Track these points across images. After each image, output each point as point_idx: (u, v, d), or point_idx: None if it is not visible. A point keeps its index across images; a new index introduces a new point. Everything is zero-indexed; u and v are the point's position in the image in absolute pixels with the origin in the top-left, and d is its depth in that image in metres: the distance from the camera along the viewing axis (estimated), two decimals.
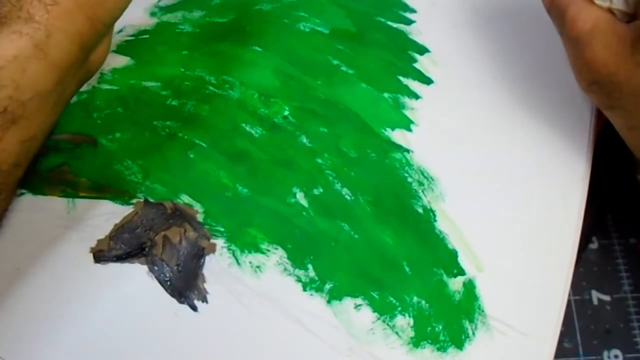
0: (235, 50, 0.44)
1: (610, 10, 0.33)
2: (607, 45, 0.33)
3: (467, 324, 0.34)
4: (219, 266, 0.36)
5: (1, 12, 0.32)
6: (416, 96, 0.42)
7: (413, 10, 0.45)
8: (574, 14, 0.34)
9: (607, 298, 0.43)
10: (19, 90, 0.31)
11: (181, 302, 0.35)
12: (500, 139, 0.40)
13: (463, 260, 0.36)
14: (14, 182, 0.33)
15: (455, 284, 0.36)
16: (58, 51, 0.32)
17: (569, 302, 0.42)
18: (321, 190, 0.38)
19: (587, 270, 0.44)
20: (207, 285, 0.36)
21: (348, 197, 0.38)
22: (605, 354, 0.41)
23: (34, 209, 0.38)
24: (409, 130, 0.40)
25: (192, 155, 0.40)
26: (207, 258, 0.36)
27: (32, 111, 0.32)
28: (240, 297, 0.35)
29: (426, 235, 0.37)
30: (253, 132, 0.40)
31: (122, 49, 0.44)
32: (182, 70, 0.43)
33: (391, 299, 0.35)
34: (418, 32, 0.44)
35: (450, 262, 0.36)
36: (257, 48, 0.44)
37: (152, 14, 0.46)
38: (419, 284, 0.35)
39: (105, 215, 0.38)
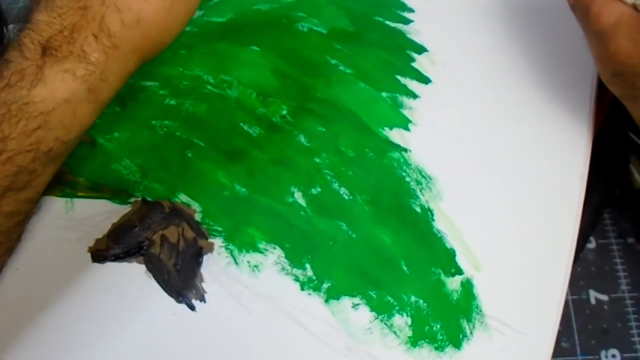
0: (234, 50, 0.44)
1: (634, 7, 0.34)
2: (631, 38, 0.33)
3: (465, 323, 0.34)
4: (217, 265, 0.36)
5: (52, 43, 0.30)
6: (414, 95, 0.42)
7: (411, 10, 0.45)
8: (598, 8, 0.34)
9: (604, 298, 0.43)
10: (66, 131, 0.30)
11: (179, 302, 0.35)
12: (498, 138, 0.40)
13: (461, 260, 0.36)
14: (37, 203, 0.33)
15: (453, 283, 0.36)
16: (108, 93, 0.32)
17: (566, 301, 0.42)
18: (319, 189, 0.38)
19: (584, 270, 0.44)
20: (205, 285, 0.36)
21: (346, 197, 0.38)
22: (603, 353, 0.41)
23: None
24: (407, 129, 0.40)
25: (190, 155, 0.40)
26: (205, 257, 0.36)
27: (71, 147, 0.32)
28: (238, 297, 0.35)
29: (424, 235, 0.37)
30: (251, 131, 0.40)
31: None
32: (181, 69, 0.43)
33: (389, 298, 0.35)
34: (416, 31, 0.44)
35: (448, 262, 0.36)
36: (256, 48, 0.44)
37: None
38: (417, 283, 0.35)
39: (104, 215, 0.38)
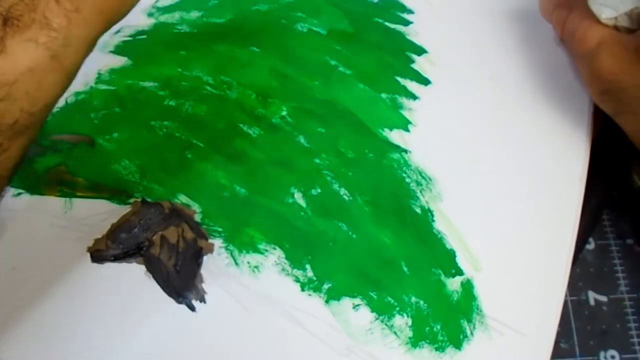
0: (233, 51, 0.44)
1: (615, 28, 0.36)
2: (613, 55, 0.35)
3: (465, 324, 0.35)
4: (217, 266, 0.36)
5: (13, 12, 0.29)
6: (414, 97, 0.42)
7: (410, 11, 0.45)
8: (581, 33, 0.37)
9: (603, 299, 0.43)
10: (32, 102, 0.29)
11: (179, 302, 0.35)
12: (497, 139, 0.40)
13: (461, 260, 0.36)
14: (7, 183, 0.33)
15: (454, 284, 0.36)
16: (73, 59, 0.31)
17: (565, 302, 0.42)
18: (319, 190, 0.38)
19: (583, 271, 0.44)
20: (205, 286, 0.36)
21: (346, 197, 0.38)
22: (602, 354, 0.41)
23: (31, 209, 0.38)
24: (407, 130, 0.40)
25: (189, 155, 0.40)
26: (205, 258, 0.36)
27: (39, 119, 0.31)
28: (238, 297, 0.35)
29: (424, 235, 0.37)
30: (251, 132, 0.40)
31: (119, 50, 0.44)
32: (180, 70, 0.43)
33: (389, 299, 0.35)
34: (415, 32, 0.44)
35: (448, 262, 0.36)
36: (255, 48, 0.44)
37: (150, 15, 0.46)
38: (417, 283, 0.35)
39: (103, 215, 0.38)
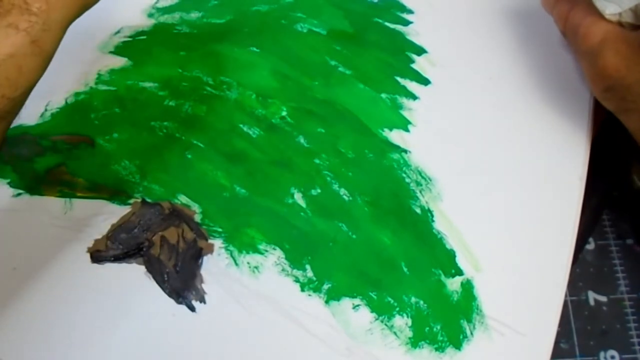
0: (233, 51, 0.44)
1: (620, 24, 0.35)
2: (617, 52, 0.35)
3: (465, 324, 0.35)
4: (217, 266, 0.36)
5: None
6: (414, 97, 0.42)
7: (410, 11, 0.45)
8: (585, 29, 0.36)
9: (603, 299, 0.43)
10: (13, 88, 0.29)
11: (179, 303, 0.35)
12: (497, 139, 0.40)
13: (461, 261, 0.36)
14: None
15: (453, 284, 0.36)
16: (53, 43, 0.31)
17: (565, 302, 0.42)
18: (319, 190, 0.38)
19: (583, 271, 0.44)
20: (205, 286, 0.36)
21: (346, 198, 0.38)
22: (602, 354, 0.41)
23: (31, 209, 0.38)
24: (407, 130, 0.40)
25: (189, 156, 0.40)
26: (205, 258, 0.36)
27: (19, 104, 0.31)
28: (238, 298, 0.35)
29: (424, 236, 0.37)
30: (251, 132, 0.40)
31: (119, 50, 0.44)
32: (180, 71, 0.43)
33: (389, 299, 0.35)
34: (415, 33, 0.44)
35: (448, 262, 0.36)
36: (255, 49, 0.44)
37: (150, 15, 0.46)
38: (417, 284, 0.35)
39: (103, 215, 0.38)
